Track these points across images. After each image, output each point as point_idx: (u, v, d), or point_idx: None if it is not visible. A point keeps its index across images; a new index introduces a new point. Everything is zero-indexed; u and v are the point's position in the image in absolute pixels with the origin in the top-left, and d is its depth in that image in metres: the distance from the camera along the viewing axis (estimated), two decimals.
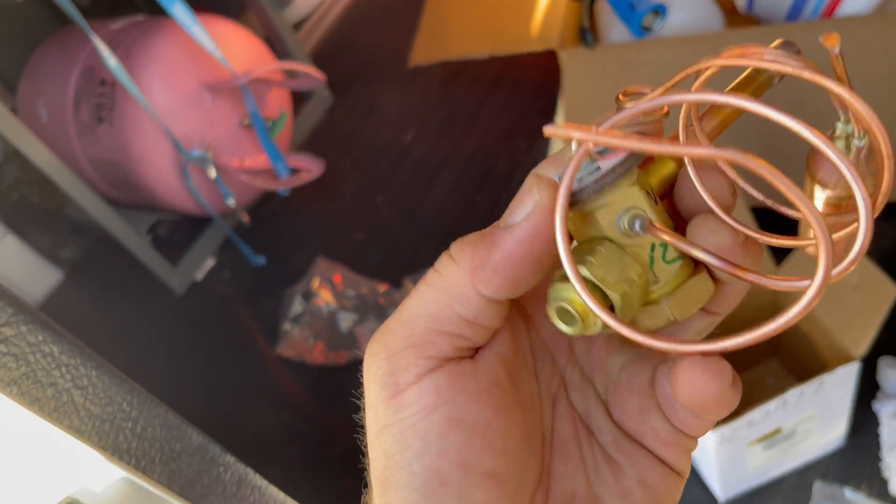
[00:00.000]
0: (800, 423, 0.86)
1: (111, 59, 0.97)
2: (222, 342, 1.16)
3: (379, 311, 1.08)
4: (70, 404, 0.46)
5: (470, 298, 0.22)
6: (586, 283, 0.23)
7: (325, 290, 1.12)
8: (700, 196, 0.24)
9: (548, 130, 0.20)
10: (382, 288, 1.10)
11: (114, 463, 0.49)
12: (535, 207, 0.22)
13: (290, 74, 1.23)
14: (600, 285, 0.23)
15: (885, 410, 0.85)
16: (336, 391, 1.05)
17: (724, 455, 0.86)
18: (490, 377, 0.23)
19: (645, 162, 0.26)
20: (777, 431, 0.86)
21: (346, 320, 1.08)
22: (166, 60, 1.07)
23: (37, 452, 0.48)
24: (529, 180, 0.22)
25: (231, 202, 1.16)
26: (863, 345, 0.82)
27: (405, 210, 1.21)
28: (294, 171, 1.20)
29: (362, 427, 0.24)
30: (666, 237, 0.23)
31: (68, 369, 0.46)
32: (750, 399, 0.79)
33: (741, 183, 0.24)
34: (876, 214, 0.19)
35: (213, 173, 1.10)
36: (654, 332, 0.23)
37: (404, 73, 1.34)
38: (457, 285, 0.22)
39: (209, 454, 0.54)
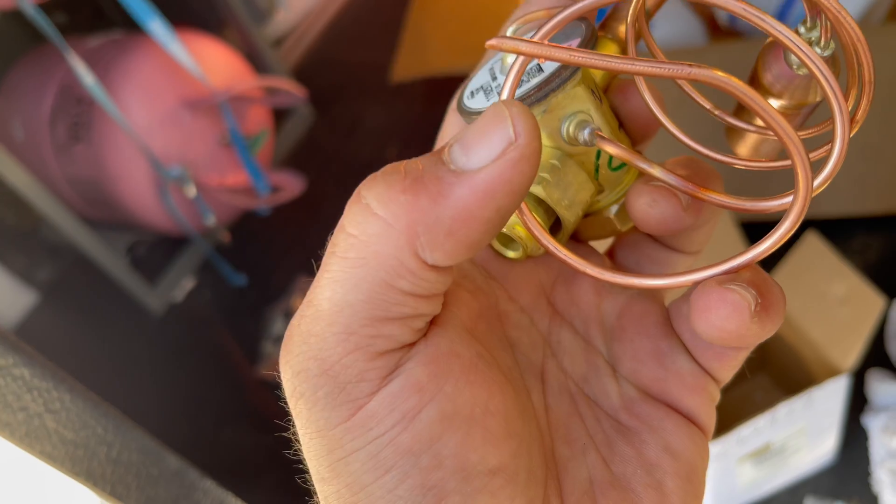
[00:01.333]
0: (790, 437, 0.85)
1: (88, 78, 0.96)
2: (202, 363, 1.14)
3: None
4: (42, 429, 0.44)
5: (414, 268, 0.16)
6: (534, 198, 0.21)
7: None
8: (644, 101, 0.21)
9: (491, 43, 0.16)
10: None
11: (89, 489, 0.47)
12: (508, 148, 0.16)
13: (271, 91, 1.22)
14: (554, 207, 0.21)
15: (875, 424, 0.84)
16: None
17: (715, 473, 0.85)
18: (470, 348, 0.18)
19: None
20: (767, 447, 0.85)
21: None
22: (144, 78, 1.05)
23: (7, 480, 0.46)
24: (498, 108, 0.16)
25: (211, 221, 1.14)
26: (851, 358, 0.81)
27: None
28: (275, 189, 1.18)
29: (296, 462, 0.18)
30: (618, 152, 0.20)
31: (40, 393, 0.44)
32: (739, 415, 0.78)
33: (699, 99, 0.22)
34: (853, 132, 0.17)
35: (192, 192, 1.08)
36: (617, 270, 0.20)
37: (387, 89, 1.34)
38: (391, 254, 0.16)
39: (187, 479, 0.52)
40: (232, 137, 1.11)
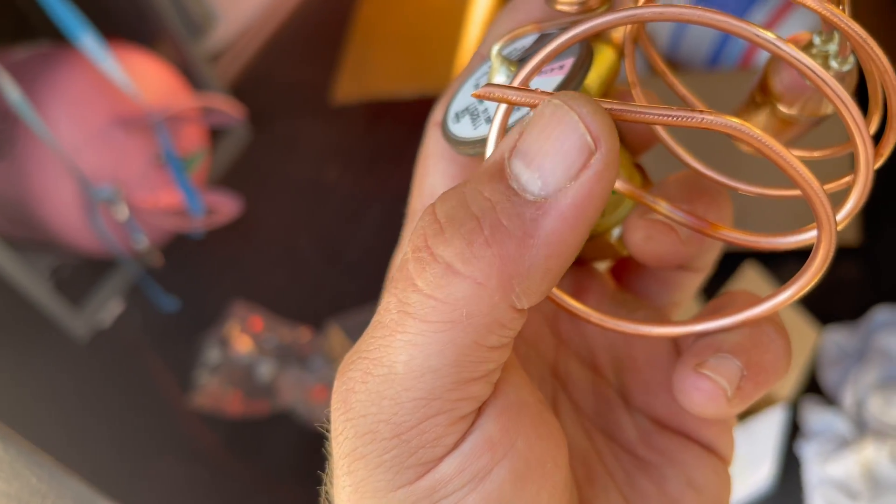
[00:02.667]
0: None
1: (13, 92, 0.91)
2: (130, 393, 1.09)
3: (302, 359, 1.04)
4: None
5: (508, 321, 0.15)
6: None
7: (244, 335, 1.07)
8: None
9: (478, 93, 0.14)
10: (306, 334, 1.06)
11: None
12: (590, 160, 0.13)
13: (207, 109, 1.18)
14: None
15: (808, 451, 0.87)
16: (255, 444, 1.00)
17: None
18: (534, 394, 0.17)
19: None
20: None
21: (266, 368, 1.03)
22: (74, 94, 1.01)
23: None
24: (560, 110, 0.14)
25: (142, 243, 1.09)
26: (786, 387, 0.83)
27: (329, 251, 1.18)
28: (210, 211, 1.15)
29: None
30: (619, 186, 0.19)
31: None
32: None
33: (676, 149, 0.20)
34: (877, 165, 0.16)
35: (123, 213, 1.04)
36: (607, 316, 0.19)
37: (327, 108, 1.32)
38: (485, 313, 0.14)
39: None
40: (166, 157, 1.07)
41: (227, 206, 1.15)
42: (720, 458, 0.20)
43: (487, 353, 0.15)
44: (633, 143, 0.21)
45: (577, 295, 0.21)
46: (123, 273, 1.18)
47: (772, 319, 0.18)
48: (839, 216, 0.17)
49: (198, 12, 1.21)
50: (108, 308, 1.17)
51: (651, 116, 0.14)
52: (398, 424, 0.15)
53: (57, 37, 1.03)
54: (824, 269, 0.16)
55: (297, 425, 0.98)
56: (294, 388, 1.00)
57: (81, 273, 1.20)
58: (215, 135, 1.27)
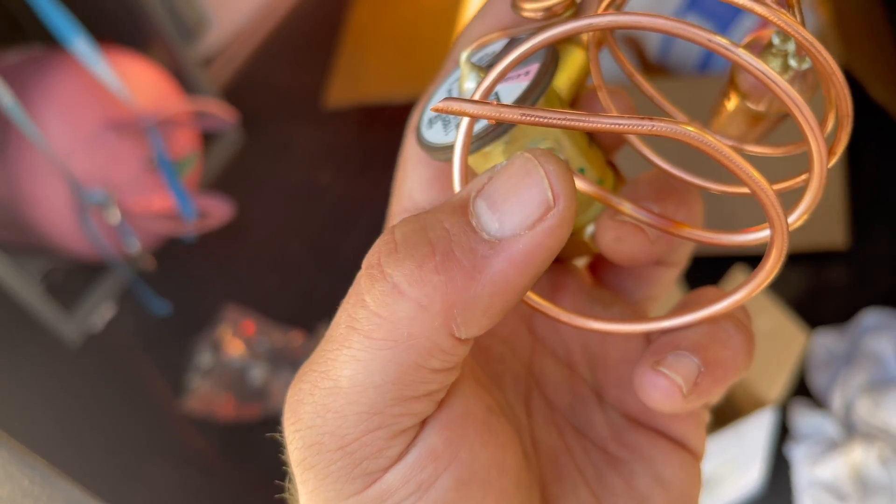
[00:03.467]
0: (718, 468, 0.87)
1: (5, 96, 0.90)
2: (122, 397, 1.09)
3: (294, 362, 1.04)
4: None
5: (447, 348, 0.15)
6: None
7: (236, 339, 1.07)
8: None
9: (437, 107, 0.15)
10: (298, 337, 1.06)
11: None
12: (547, 214, 0.14)
13: (200, 113, 1.18)
14: None
15: (797, 453, 0.88)
16: (247, 448, 1.00)
17: None
18: (481, 403, 0.17)
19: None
20: None
21: (258, 372, 1.03)
22: (65, 97, 1.01)
23: None
24: (529, 163, 0.15)
25: (134, 247, 1.09)
26: (776, 390, 0.84)
27: (321, 254, 1.18)
28: (202, 215, 1.14)
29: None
30: (581, 187, 0.19)
31: None
32: None
33: (654, 159, 0.20)
34: (830, 164, 0.16)
35: (115, 217, 1.04)
36: (577, 315, 0.19)
37: (319, 113, 1.32)
38: (426, 336, 0.15)
39: None
40: (159, 161, 1.07)
41: (219, 210, 1.15)
42: (691, 453, 0.21)
43: (429, 375, 0.16)
44: (606, 141, 0.21)
45: (553, 292, 0.21)
46: (115, 277, 1.17)
47: (732, 316, 0.18)
48: (793, 217, 0.17)
49: (190, 16, 1.21)
50: (100, 312, 1.16)
51: (603, 125, 0.14)
52: (342, 437, 0.16)
53: (49, 40, 1.03)
54: (778, 268, 0.17)
55: None
56: (286, 392, 1.00)
57: (73, 277, 1.19)
58: (207, 138, 1.27)
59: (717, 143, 0.14)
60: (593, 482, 0.20)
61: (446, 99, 0.15)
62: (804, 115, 0.15)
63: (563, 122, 0.14)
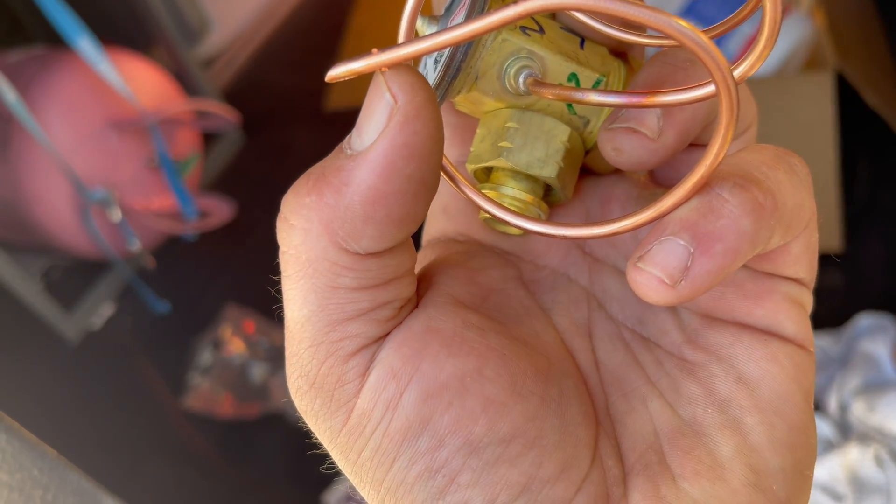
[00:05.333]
0: None
1: (9, 94, 0.91)
2: (121, 395, 1.09)
3: None
4: None
5: (348, 263, 0.16)
6: (516, 173, 0.19)
7: (236, 338, 1.07)
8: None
9: (330, 76, 0.15)
10: None
11: None
12: (392, 114, 0.15)
13: (202, 114, 1.19)
14: (526, 171, 0.19)
15: None
16: (246, 446, 1.00)
17: None
18: (452, 320, 0.17)
19: None
20: None
21: (258, 371, 1.04)
22: (69, 96, 1.01)
23: None
24: (375, 79, 0.15)
25: (135, 245, 1.10)
26: None
27: None
28: (203, 214, 1.15)
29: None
30: (555, 94, 0.17)
31: None
32: None
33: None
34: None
35: (116, 215, 1.04)
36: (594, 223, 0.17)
37: (320, 115, 1.33)
38: (319, 257, 0.16)
39: None
40: (160, 160, 1.08)
41: (219, 210, 1.15)
42: (785, 340, 0.18)
43: (350, 294, 0.16)
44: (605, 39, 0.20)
45: (603, 205, 0.21)
46: (115, 275, 1.18)
47: (726, 177, 0.16)
48: (738, 71, 0.15)
49: (193, 18, 1.22)
50: (100, 310, 1.17)
51: (511, 12, 0.14)
52: (307, 375, 0.17)
53: (53, 40, 1.03)
54: (732, 124, 0.15)
55: (289, 427, 0.98)
56: (286, 391, 1.01)
57: (73, 275, 1.19)
58: (208, 139, 1.27)
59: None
60: (669, 392, 0.18)
61: (336, 65, 0.15)
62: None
63: (458, 37, 0.14)
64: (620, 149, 0.18)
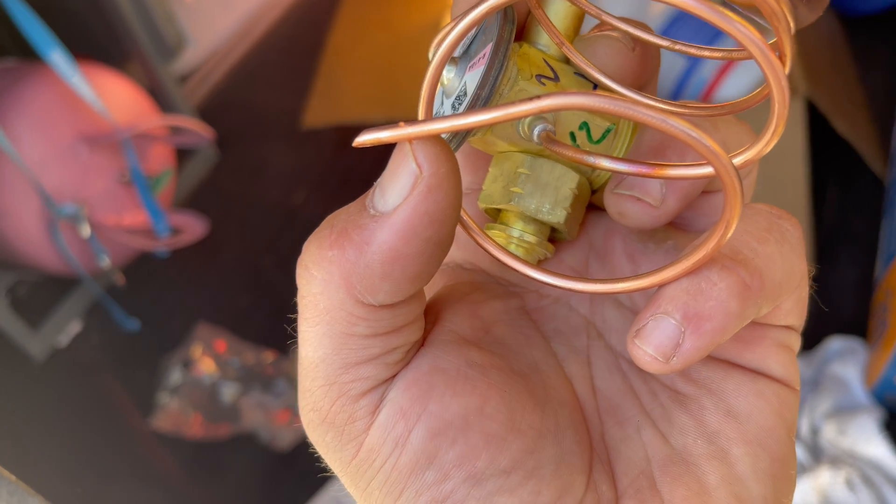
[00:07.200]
0: None
1: None
2: (88, 415, 1.06)
3: (266, 382, 1.03)
4: None
5: (364, 314, 0.17)
6: (519, 216, 0.21)
7: (207, 357, 1.05)
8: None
9: (358, 142, 0.16)
10: (270, 357, 1.05)
11: None
12: (416, 183, 0.16)
13: (175, 130, 1.18)
14: (536, 217, 0.20)
15: None
16: (215, 468, 0.98)
17: None
18: (456, 359, 0.19)
19: (518, 33, 0.20)
20: None
21: (229, 391, 1.02)
22: (39, 109, 1.00)
23: None
24: (401, 145, 0.16)
25: (104, 262, 1.08)
26: None
27: (294, 274, 1.17)
28: (175, 231, 1.14)
29: None
30: (566, 154, 0.18)
31: None
32: None
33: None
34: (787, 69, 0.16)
35: (86, 231, 1.03)
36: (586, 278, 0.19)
37: (295, 133, 1.32)
38: (337, 307, 0.17)
39: None
40: (133, 176, 1.07)
41: (192, 227, 1.14)
42: (772, 379, 0.19)
43: (363, 341, 0.17)
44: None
45: (606, 239, 0.22)
46: (84, 292, 1.16)
47: (716, 260, 0.17)
48: (739, 160, 0.17)
49: (170, 34, 1.21)
50: (67, 328, 1.14)
51: (509, 113, 0.15)
52: (320, 410, 0.18)
53: (25, 53, 1.02)
54: (737, 212, 0.16)
55: (259, 448, 0.97)
56: (256, 411, 0.99)
57: (39, 291, 1.17)
58: (182, 155, 1.26)
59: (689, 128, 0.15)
60: (661, 422, 0.20)
61: (364, 132, 0.16)
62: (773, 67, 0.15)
63: (478, 122, 0.15)
64: (624, 214, 0.19)
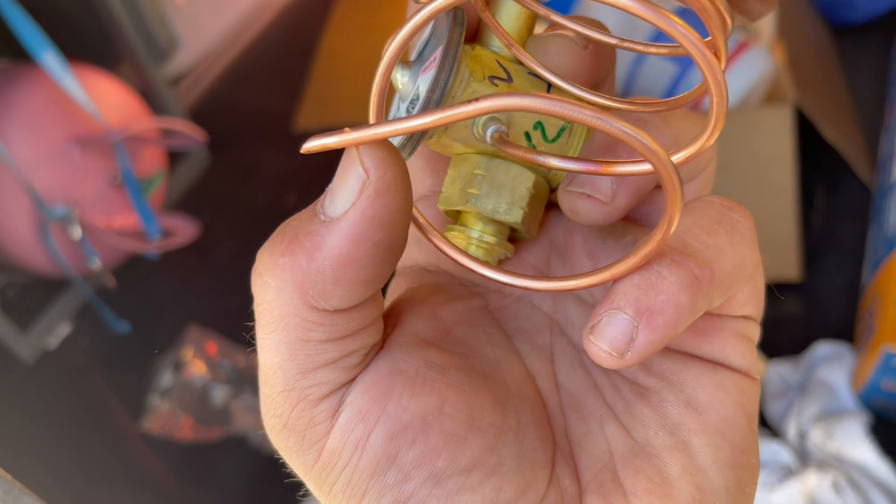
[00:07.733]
0: None
1: None
2: (77, 416, 1.06)
3: (256, 385, 1.03)
4: None
5: (318, 319, 0.17)
6: (483, 217, 0.21)
7: (198, 360, 1.05)
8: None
9: (306, 148, 0.17)
10: None
11: None
12: (364, 187, 0.16)
13: (168, 132, 1.18)
14: (493, 217, 0.21)
15: None
16: (206, 470, 0.98)
17: None
18: (415, 361, 0.19)
19: (471, 36, 0.20)
20: None
21: (220, 393, 1.02)
22: (31, 111, 0.99)
23: None
24: (349, 150, 0.17)
25: (95, 264, 1.08)
26: None
27: None
28: (166, 233, 1.13)
29: None
30: (518, 154, 0.18)
31: None
32: None
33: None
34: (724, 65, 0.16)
35: (77, 233, 1.02)
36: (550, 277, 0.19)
37: (288, 136, 1.32)
38: (291, 313, 0.17)
39: None
40: (124, 178, 1.06)
41: (183, 230, 1.14)
42: (732, 370, 0.20)
43: (319, 346, 0.17)
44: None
45: (567, 236, 0.22)
46: (74, 294, 1.15)
47: (665, 254, 0.17)
48: (678, 157, 0.17)
49: (162, 36, 1.21)
50: (56, 330, 1.14)
51: (454, 114, 0.16)
52: (280, 416, 0.18)
53: (16, 54, 1.02)
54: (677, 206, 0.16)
55: (250, 451, 0.97)
56: (247, 414, 0.99)
57: (29, 293, 1.17)
58: (174, 158, 1.26)
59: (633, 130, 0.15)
60: (623, 416, 0.20)
61: (311, 139, 0.17)
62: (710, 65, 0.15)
63: (425, 124, 0.16)
64: (577, 211, 0.20)
